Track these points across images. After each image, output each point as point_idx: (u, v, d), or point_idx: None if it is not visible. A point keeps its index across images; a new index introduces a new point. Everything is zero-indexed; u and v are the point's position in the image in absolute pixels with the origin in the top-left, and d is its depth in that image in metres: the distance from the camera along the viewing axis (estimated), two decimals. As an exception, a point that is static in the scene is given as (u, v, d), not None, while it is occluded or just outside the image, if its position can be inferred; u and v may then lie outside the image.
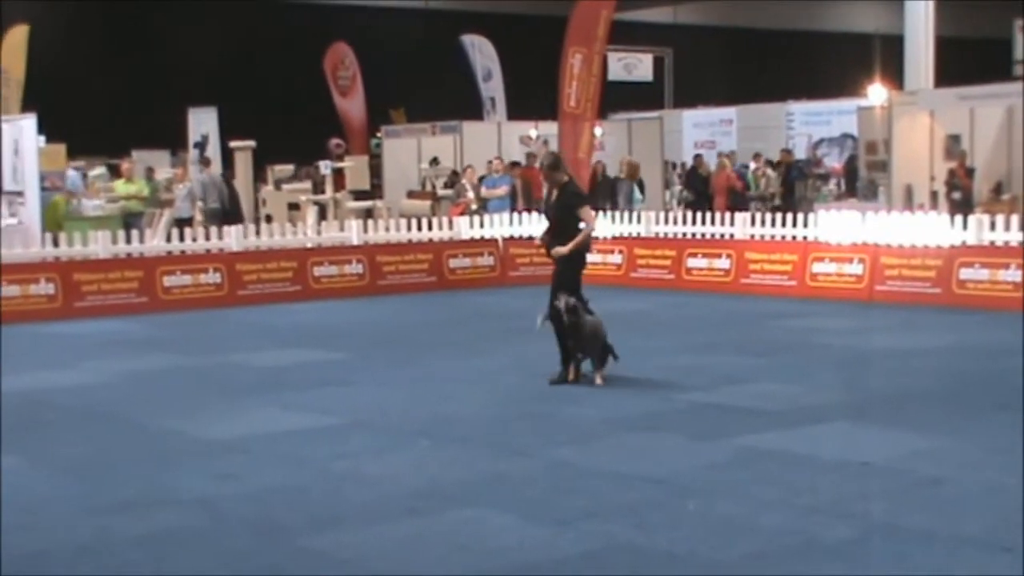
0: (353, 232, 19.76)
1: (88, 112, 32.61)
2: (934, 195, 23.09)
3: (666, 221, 20.36)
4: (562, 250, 11.06)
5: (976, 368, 11.78)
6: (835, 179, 28.66)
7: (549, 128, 25.45)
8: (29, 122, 20.67)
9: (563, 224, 11.19)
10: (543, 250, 11.53)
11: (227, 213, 21.77)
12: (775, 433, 9.02)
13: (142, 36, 36.28)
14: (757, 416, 9.65)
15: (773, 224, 19.16)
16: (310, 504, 7.42)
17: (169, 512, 7.29)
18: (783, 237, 18.86)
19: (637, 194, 22.94)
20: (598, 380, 10.95)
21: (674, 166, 31.29)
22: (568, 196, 11.26)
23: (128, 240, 18.31)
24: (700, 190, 26.44)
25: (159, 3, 36.59)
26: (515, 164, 25.14)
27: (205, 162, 23.49)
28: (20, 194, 20.53)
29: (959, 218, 17.45)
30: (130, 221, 21.24)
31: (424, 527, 6.94)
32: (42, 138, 22.14)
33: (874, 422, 9.41)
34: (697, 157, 28.58)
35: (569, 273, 11.18)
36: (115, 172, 26.31)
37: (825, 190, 27.44)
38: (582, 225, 11.16)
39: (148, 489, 7.80)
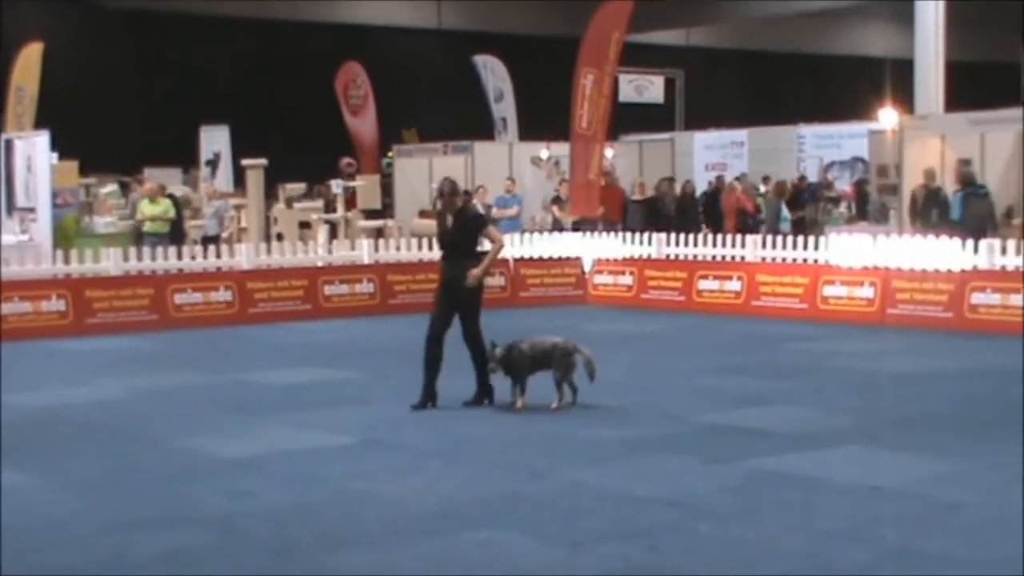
0: (364, 251, 19.79)
1: (101, 129, 32.71)
2: (945, 219, 23.07)
3: (677, 243, 20.35)
4: (476, 272, 10.91)
5: (990, 393, 11.75)
6: (846, 202, 28.64)
7: (560, 149, 25.50)
8: (42, 139, 20.78)
9: (464, 248, 11.09)
10: (439, 276, 11.29)
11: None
12: (790, 456, 9.01)
13: (155, 54, 36.42)
14: (772, 439, 9.64)
15: (784, 247, 19.17)
16: (325, 523, 7.42)
17: (186, 529, 7.30)
18: (794, 260, 18.86)
19: (785, 212, 22.75)
20: (519, 405, 10.86)
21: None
22: (468, 220, 11.18)
23: (139, 257, 18.33)
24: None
25: (172, 21, 36.75)
26: None
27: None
28: (32, 210, 20.62)
29: (970, 242, 17.44)
30: (155, 241, 21.04)
31: (439, 548, 6.94)
32: (55, 155, 22.22)
33: (888, 446, 9.39)
34: (719, 179, 27.96)
35: (475, 295, 11.05)
36: (126, 189, 26.42)
37: (836, 213, 27.42)
38: (487, 246, 11.13)
39: (165, 506, 7.81)
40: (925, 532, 7.13)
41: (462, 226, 11.10)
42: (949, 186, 21.57)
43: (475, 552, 6.85)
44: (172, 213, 22.43)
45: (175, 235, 21.96)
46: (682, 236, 20.43)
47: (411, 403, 10.93)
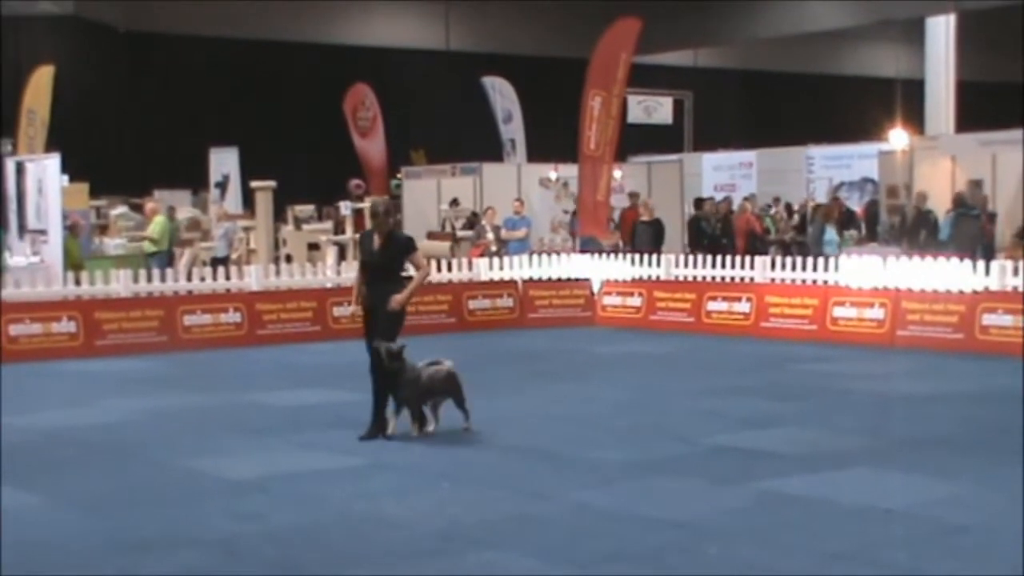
0: (373, 272, 19.75)
1: (111, 151, 32.84)
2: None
3: (686, 264, 20.34)
4: (400, 298, 10.78)
5: (1000, 415, 11.69)
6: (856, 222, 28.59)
7: (569, 170, 25.50)
8: (53, 162, 20.82)
9: (391, 271, 10.95)
10: (359, 299, 11.03)
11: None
12: (797, 478, 8.97)
13: (165, 76, 36.57)
14: (779, 460, 9.60)
15: (793, 268, 19.12)
16: (332, 545, 7.40)
17: (191, 551, 7.29)
18: (803, 281, 18.81)
19: (831, 235, 22.42)
20: (415, 432, 10.66)
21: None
22: (397, 243, 11.01)
23: (149, 279, 18.37)
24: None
25: (182, 43, 36.90)
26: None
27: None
28: (43, 232, 20.66)
29: (982, 263, 17.40)
30: (148, 262, 21.21)
31: (446, 569, 6.92)
32: (65, 177, 22.28)
33: (897, 468, 9.35)
34: (725, 200, 27.75)
35: (396, 320, 10.91)
36: (138, 211, 26.50)
37: (846, 234, 27.38)
38: (412, 271, 11.07)
39: (170, 528, 7.80)
40: (931, 554, 7.09)
41: (389, 249, 10.93)
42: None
43: (482, 573, 6.83)
44: (156, 235, 22.50)
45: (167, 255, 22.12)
46: (691, 257, 20.41)
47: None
